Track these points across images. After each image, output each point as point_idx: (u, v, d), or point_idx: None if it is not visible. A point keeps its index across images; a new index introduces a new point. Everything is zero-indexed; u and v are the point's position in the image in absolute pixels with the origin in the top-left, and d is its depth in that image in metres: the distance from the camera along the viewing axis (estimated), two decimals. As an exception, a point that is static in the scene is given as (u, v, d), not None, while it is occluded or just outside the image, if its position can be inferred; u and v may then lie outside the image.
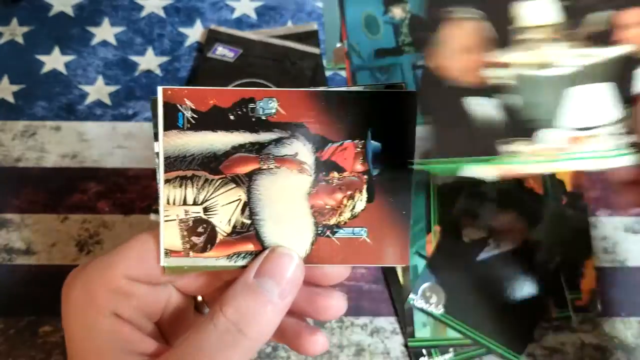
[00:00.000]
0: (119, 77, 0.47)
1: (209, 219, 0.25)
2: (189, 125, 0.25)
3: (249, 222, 0.25)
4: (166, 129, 0.25)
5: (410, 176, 0.25)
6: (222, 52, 0.47)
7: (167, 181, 0.25)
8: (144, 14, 0.50)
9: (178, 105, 0.24)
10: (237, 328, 0.23)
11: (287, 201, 0.25)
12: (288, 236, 0.25)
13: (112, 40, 0.49)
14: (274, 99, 0.25)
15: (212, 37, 0.47)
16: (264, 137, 0.25)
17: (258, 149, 0.25)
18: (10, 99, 0.46)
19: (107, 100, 0.47)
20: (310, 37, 0.48)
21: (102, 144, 0.45)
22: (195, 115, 0.25)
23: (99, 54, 0.48)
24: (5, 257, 0.42)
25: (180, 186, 0.25)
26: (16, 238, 0.43)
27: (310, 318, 0.28)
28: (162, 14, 0.50)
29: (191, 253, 0.26)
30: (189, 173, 0.25)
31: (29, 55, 0.48)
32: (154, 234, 0.26)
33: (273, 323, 0.24)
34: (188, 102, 0.24)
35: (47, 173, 0.44)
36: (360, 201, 0.25)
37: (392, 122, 0.25)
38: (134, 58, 0.48)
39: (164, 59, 0.48)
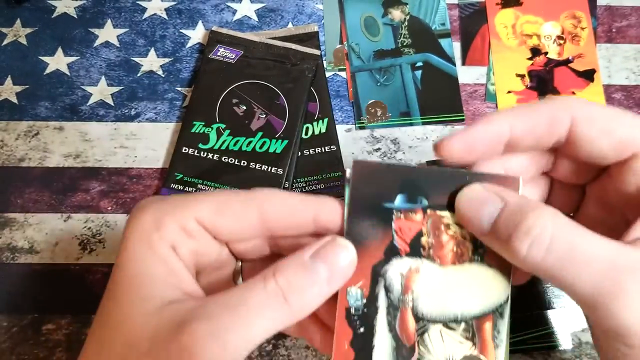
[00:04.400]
0: (122, 78, 0.48)
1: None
2: None
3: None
4: None
5: None
6: (224, 53, 0.47)
7: None
8: (146, 15, 0.50)
9: None
10: (284, 295, 0.24)
11: None
12: None
13: (115, 42, 0.49)
14: None
15: (214, 39, 0.48)
16: None
17: None
18: (14, 100, 0.47)
19: (110, 101, 0.47)
20: (311, 39, 0.49)
21: (105, 144, 0.46)
22: None
23: (101, 55, 0.49)
24: (8, 255, 0.42)
25: None
26: (19, 237, 0.43)
27: None
28: (164, 15, 0.50)
29: None
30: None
31: (32, 56, 0.48)
32: (236, 193, 0.26)
33: (315, 303, 0.25)
34: None
35: (50, 173, 0.45)
36: None
37: None
38: (137, 59, 0.49)
39: (166, 60, 0.48)
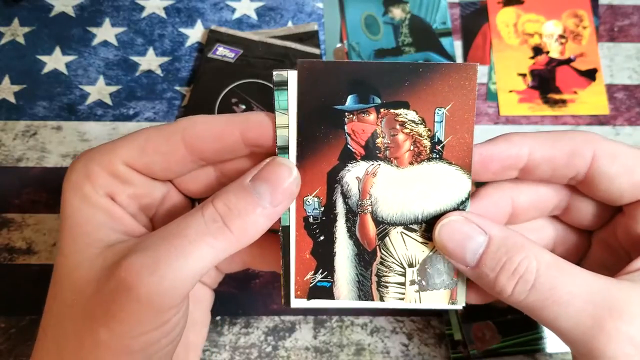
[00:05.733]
0: (120, 77, 0.48)
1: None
2: None
3: None
4: None
5: None
6: (223, 52, 0.47)
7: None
8: (144, 14, 0.50)
9: None
10: (224, 220, 0.24)
11: None
12: None
13: (113, 41, 0.49)
14: None
15: (213, 38, 0.48)
16: None
17: None
18: (12, 99, 0.47)
19: (108, 101, 0.47)
20: (311, 38, 0.48)
21: (103, 144, 0.45)
22: None
23: (100, 54, 0.48)
24: (6, 256, 0.42)
25: None
26: (17, 237, 0.43)
27: None
28: (162, 14, 0.50)
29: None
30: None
31: (30, 55, 0.48)
32: (157, 128, 0.26)
33: (259, 226, 0.24)
34: None
35: (48, 173, 0.44)
36: None
37: None
38: (135, 58, 0.48)
39: (165, 59, 0.48)
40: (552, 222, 0.30)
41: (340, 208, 0.27)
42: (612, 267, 0.27)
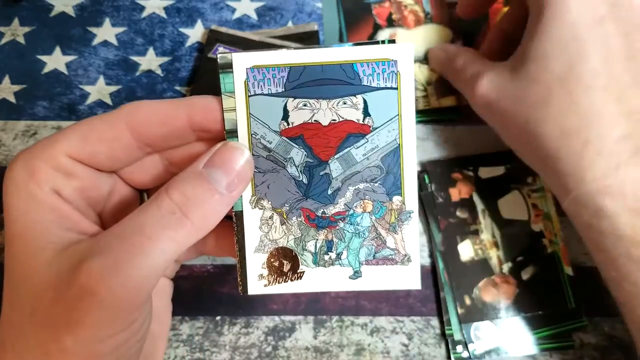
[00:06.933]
0: (120, 77, 0.48)
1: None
2: None
3: None
4: None
5: None
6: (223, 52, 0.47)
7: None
8: (144, 14, 0.50)
9: None
10: (182, 211, 0.23)
11: None
12: None
13: (113, 41, 0.49)
14: None
15: (213, 38, 0.48)
16: None
17: None
18: (12, 99, 0.47)
19: (108, 100, 0.47)
20: (311, 38, 0.48)
21: (103, 143, 0.45)
22: None
23: (100, 54, 0.48)
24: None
25: None
26: (17, 237, 0.43)
27: None
28: (163, 14, 0.50)
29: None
30: None
31: (30, 55, 0.48)
32: (99, 116, 0.25)
33: (218, 213, 0.24)
34: None
35: (48, 173, 0.44)
36: None
37: None
38: (135, 58, 0.48)
39: (165, 59, 0.48)
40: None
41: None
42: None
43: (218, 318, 0.41)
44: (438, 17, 0.46)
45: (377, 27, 0.46)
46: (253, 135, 0.27)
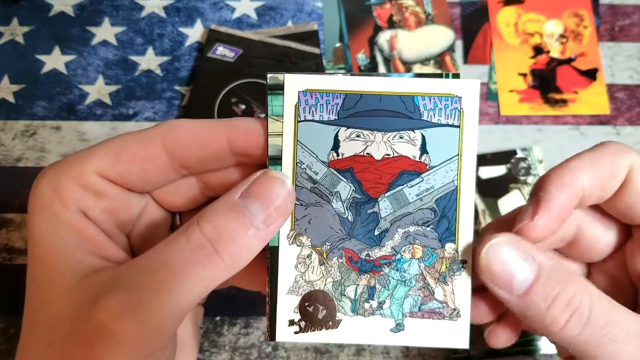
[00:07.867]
0: (119, 77, 0.47)
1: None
2: None
3: None
4: None
5: None
6: (223, 52, 0.47)
7: None
8: (144, 14, 0.50)
9: None
10: (213, 246, 0.21)
11: None
12: None
13: (113, 40, 0.49)
14: None
15: (213, 37, 0.47)
16: None
17: None
18: (11, 99, 0.46)
19: (108, 100, 0.47)
20: (311, 37, 0.48)
21: (103, 143, 0.45)
22: None
23: (99, 54, 0.48)
24: (5, 256, 0.42)
25: None
26: (17, 238, 0.43)
27: None
28: (162, 14, 0.50)
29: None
30: None
31: (29, 55, 0.48)
32: (134, 133, 0.23)
33: (252, 249, 0.22)
34: None
35: (47, 173, 0.44)
36: None
37: None
38: (134, 58, 0.48)
39: (164, 58, 0.48)
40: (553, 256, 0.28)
41: (379, 58, 0.46)
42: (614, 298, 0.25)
43: (218, 318, 0.41)
44: (440, 18, 0.47)
45: (377, 29, 0.47)
46: (298, 164, 0.25)
